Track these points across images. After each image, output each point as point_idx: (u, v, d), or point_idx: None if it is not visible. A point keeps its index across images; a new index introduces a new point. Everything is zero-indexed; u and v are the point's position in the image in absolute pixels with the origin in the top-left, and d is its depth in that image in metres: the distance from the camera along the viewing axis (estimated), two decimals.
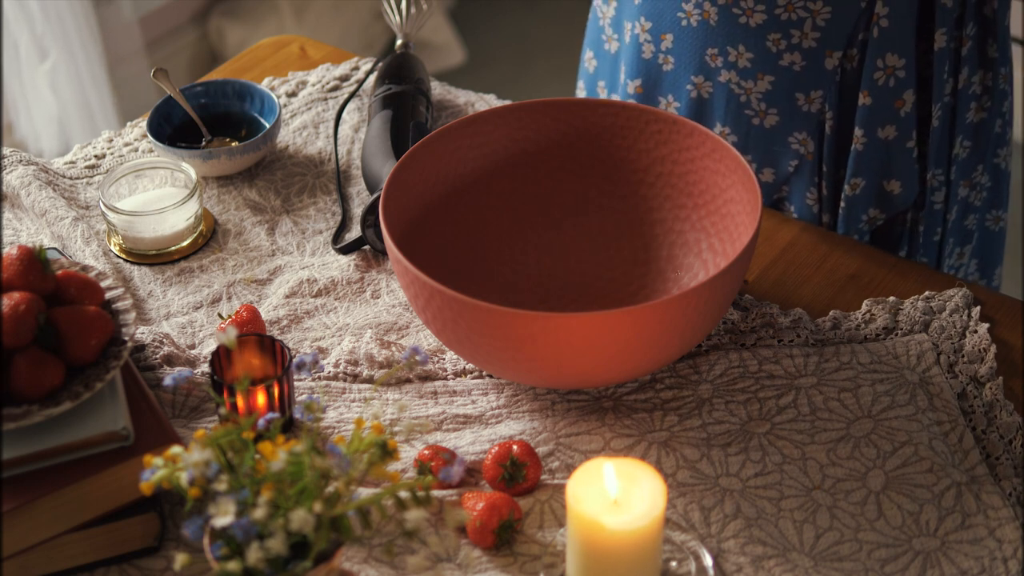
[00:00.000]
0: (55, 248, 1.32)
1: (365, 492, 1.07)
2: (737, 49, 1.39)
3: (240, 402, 1.11)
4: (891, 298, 1.28)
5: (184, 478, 0.93)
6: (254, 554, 0.89)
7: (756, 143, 1.44)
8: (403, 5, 1.59)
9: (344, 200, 1.43)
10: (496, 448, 1.12)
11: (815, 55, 1.37)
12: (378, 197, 1.30)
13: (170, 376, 0.99)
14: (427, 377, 1.23)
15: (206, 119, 1.50)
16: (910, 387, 1.19)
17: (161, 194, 1.39)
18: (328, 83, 1.61)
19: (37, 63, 2.69)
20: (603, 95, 1.56)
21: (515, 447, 1.12)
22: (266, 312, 1.30)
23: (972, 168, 1.47)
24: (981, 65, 1.40)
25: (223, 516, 0.90)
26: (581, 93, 1.62)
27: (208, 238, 1.39)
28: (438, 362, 1.24)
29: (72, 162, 1.49)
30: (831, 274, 1.33)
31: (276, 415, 0.99)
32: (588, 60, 1.58)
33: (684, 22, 1.41)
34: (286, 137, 1.53)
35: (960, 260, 1.53)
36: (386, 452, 0.95)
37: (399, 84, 1.49)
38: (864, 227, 1.45)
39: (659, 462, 1.14)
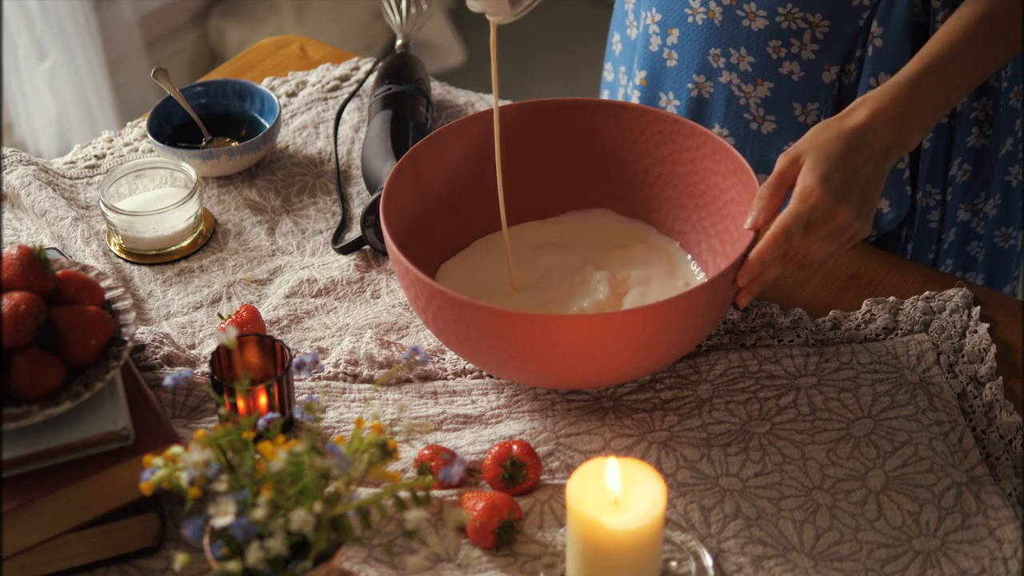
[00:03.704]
0: (55, 248, 1.32)
1: (365, 492, 1.07)
2: (739, 52, 1.39)
3: (240, 402, 1.11)
4: (891, 298, 1.28)
5: (184, 478, 0.93)
6: (254, 554, 0.89)
7: (753, 148, 1.44)
8: (403, 5, 1.59)
9: (344, 200, 1.43)
10: (496, 448, 1.12)
11: (813, 67, 1.37)
12: (378, 197, 1.30)
13: (170, 376, 0.99)
14: (427, 377, 1.23)
15: (206, 119, 1.50)
16: (910, 387, 1.19)
17: (161, 194, 1.39)
18: (328, 83, 1.61)
19: (36, 63, 2.69)
20: (624, 80, 1.57)
21: (515, 447, 1.12)
22: (266, 312, 1.29)
23: (974, 194, 1.46)
24: (983, 92, 1.40)
25: (223, 516, 0.90)
26: (609, 75, 1.62)
27: (208, 238, 1.39)
28: (438, 362, 1.24)
29: (72, 162, 1.49)
30: (831, 274, 1.33)
31: (276, 415, 0.99)
32: (615, 43, 1.58)
33: (690, 19, 1.41)
34: (286, 137, 1.53)
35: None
36: (386, 452, 0.95)
37: (399, 84, 1.49)
38: None
39: (659, 462, 1.14)
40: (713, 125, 1.45)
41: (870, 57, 1.34)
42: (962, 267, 1.52)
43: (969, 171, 1.44)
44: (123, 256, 1.36)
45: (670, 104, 1.48)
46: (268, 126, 1.46)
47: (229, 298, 1.32)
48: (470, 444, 1.16)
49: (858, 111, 1.16)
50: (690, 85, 1.45)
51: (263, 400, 1.12)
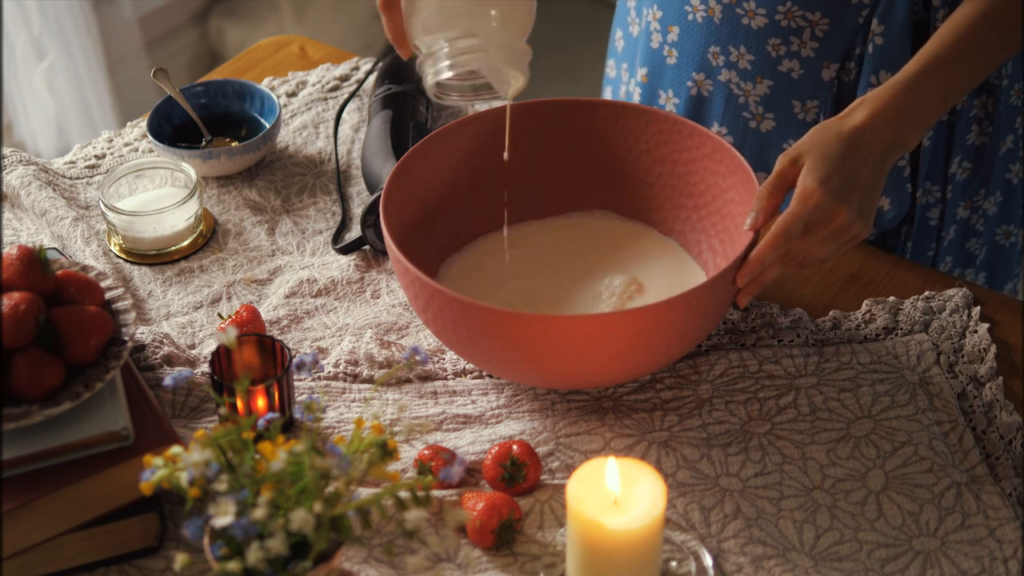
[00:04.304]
0: (55, 248, 1.32)
1: (365, 492, 1.07)
2: (738, 50, 1.39)
3: (240, 402, 1.11)
4: (891, 298, 1.28)
5: (184, 478, 0.93)
6: (254, 554, 0.89)
7: (752, 146, 1.44)
8: None
9: (344, 200, 1.43)
10: (496, 448, 1.12)
11: (813, 64, 1.37)
12: (378, 197, 1.30)
13: (170, 376, 0.99)
14: (427, 377, 1.23)
15: (206, 119, 1.50)
16: (910, 387, 1.19)
17: (161, 194, 1.39)
18: (328, 83, 1.61)
19: (34, 63, 2.69)
20: (625, 77, 1.57)
21: (515, 447, 1.12)
22: (266, 312, 1.29)
23: (973, 191, 1.46)
24: (984, 90, 1.40)
25: (223, 516, 0.90)
26: (611, 72, 1.62)
27: (208, 238, 1.39)
28: (438, 362, 1.24)
29: (72, 162, 1.49)
30: (831, 274, 1.33)
31: (276, 415, 0.99)
32: (618, 40, 1.58)
33: (690, 16, 1.41)
34: (286, 137, 1.53)
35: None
36: (386, 452, 0.95)
37: (399, 84, 1.49)
38: None
39: (659, 462, 1.14)
40: (712, 123, 1.45)
41: (870, 55, 1.34)
42: (961, 264, 1.52)
43: (969, 169, 1.44)
44: (123, 256, 1.36)
45: (669, 102, 1.48)
46: (268, 126, 1.46)
47: (229, 298, 1.32)
48: (470, 444, 1.16)
49: (857, 112, 1.16)
50: (689, 83, 1.45)
51: (263, 400, 1.12)
